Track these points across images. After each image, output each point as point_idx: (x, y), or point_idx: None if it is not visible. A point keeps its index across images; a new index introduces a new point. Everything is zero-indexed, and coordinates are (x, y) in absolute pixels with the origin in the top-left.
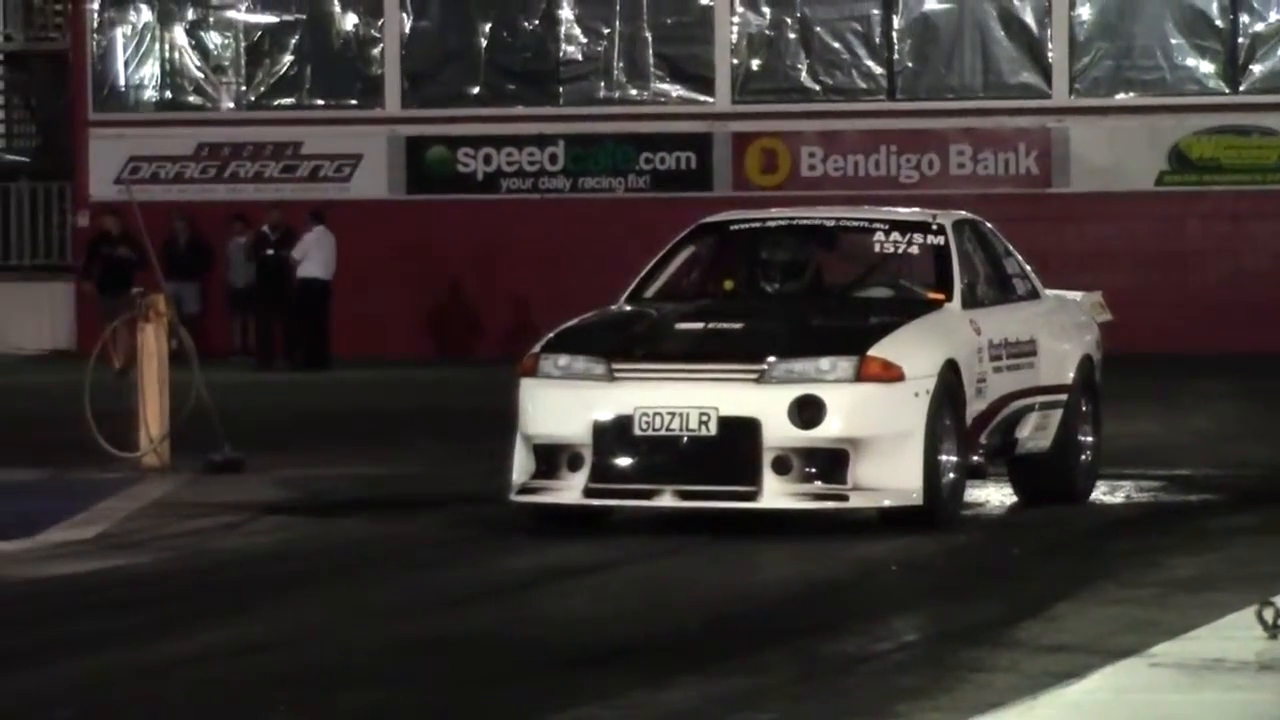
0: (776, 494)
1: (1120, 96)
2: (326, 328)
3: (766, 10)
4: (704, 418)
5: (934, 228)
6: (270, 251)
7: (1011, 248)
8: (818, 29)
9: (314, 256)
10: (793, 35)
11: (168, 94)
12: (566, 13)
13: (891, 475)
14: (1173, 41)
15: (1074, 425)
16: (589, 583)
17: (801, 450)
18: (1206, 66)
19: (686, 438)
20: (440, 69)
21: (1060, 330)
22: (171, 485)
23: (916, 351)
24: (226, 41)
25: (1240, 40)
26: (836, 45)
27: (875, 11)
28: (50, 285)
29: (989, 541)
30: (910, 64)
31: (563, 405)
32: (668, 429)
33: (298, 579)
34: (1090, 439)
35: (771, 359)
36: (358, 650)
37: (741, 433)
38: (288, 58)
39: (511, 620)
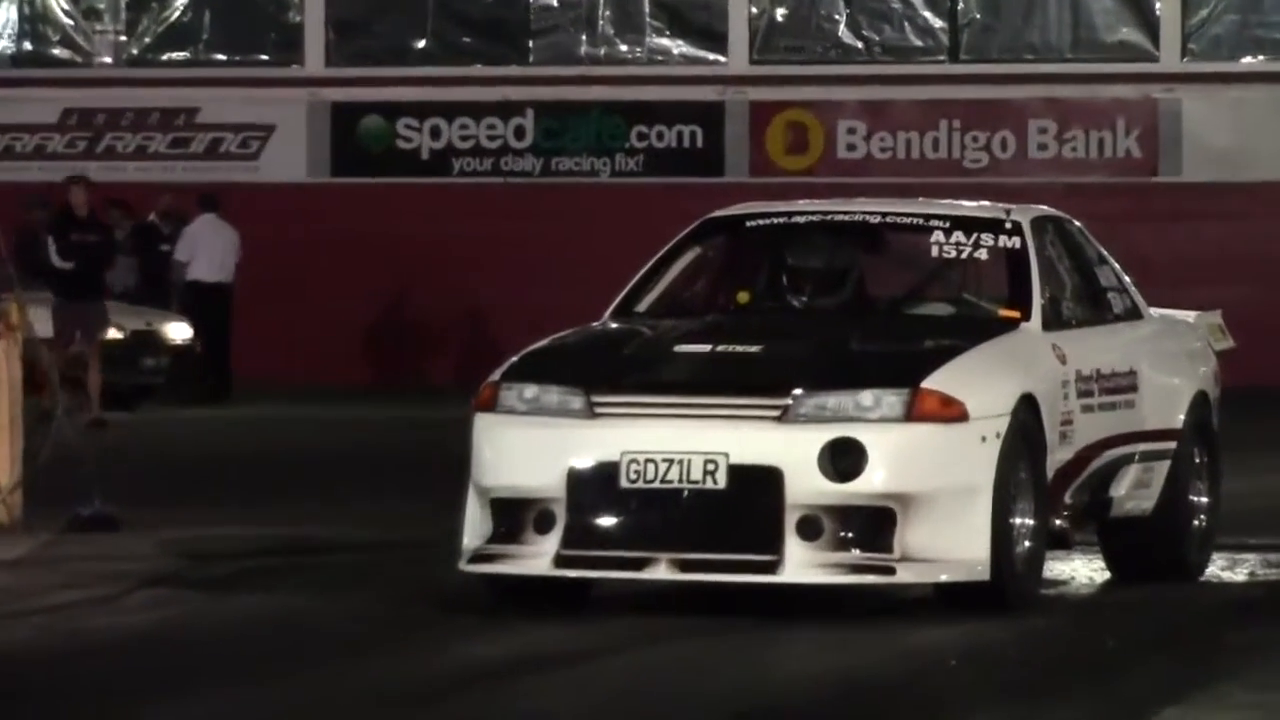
0: (803, 565)
1: (1246, 60)
2: (225, 345)
3: None
4: (710, 466)
5: (1008, 226)
6: (165, 247)
7: (1106, 253)
8: None
9: (203, 254)
10: None
11: (26, 45)
12: None
13: (951, 542)
14: None
15: (1184, 481)
16: (564, 678)
17: (835, 509)
18: None
19: (687, 491)
20: (375, 18)
21: (1168, 360)
22: (25, 548)
23: (984, 384)
24: None
25: None
26: None
27: None
28: None
29: (1075, 629)
30: (979, 16)
31: (529, 449)
32: (663, 480)
33: (186, 670)
34: (1205, 499)
35: (798, 392)
36: None
37: (758, 486)
38: (181, 2)
39: None
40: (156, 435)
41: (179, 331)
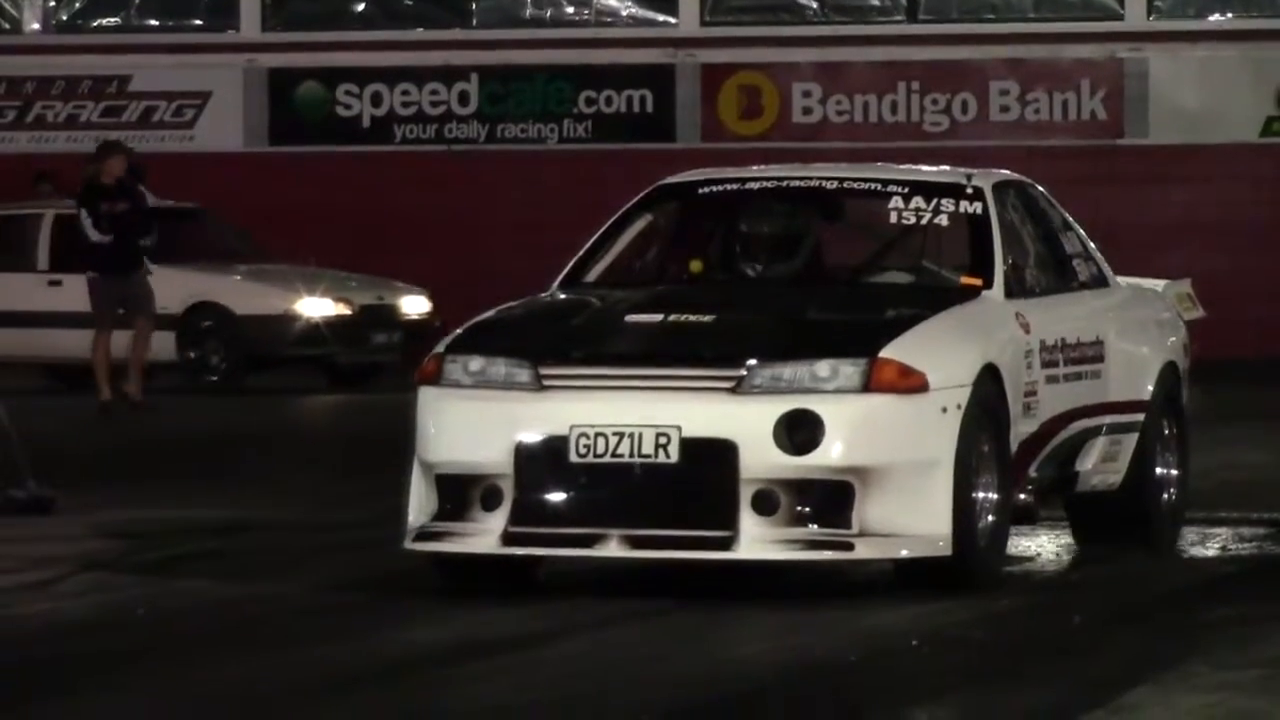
0: (759, 540)
1: (1214, 18)
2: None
3: None
4: (662, 440)
5: (969, 191)
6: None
7: (1071, 219)
8: None
9: None
10: None
11: None
12: None
13: (911, 517)
14: None
15: (1153, 454)
16: (511, 661)
17: (792, 483)
18: None
19: (639, 466)
20: None
21: (1136, 329)
22: None
23: (944, 354)
24: None
25: None
26: None
27: None
28: None
29: (1040, 606)
30: None
31: (475, 423)
32: (614, 454)
33: (123, 657)
34: (1175, 472)
35: (752, 362)
36: None
37: (712, 460)
38: None
39: (410, 712)
40: (93, 415)
41: (414, 305)
